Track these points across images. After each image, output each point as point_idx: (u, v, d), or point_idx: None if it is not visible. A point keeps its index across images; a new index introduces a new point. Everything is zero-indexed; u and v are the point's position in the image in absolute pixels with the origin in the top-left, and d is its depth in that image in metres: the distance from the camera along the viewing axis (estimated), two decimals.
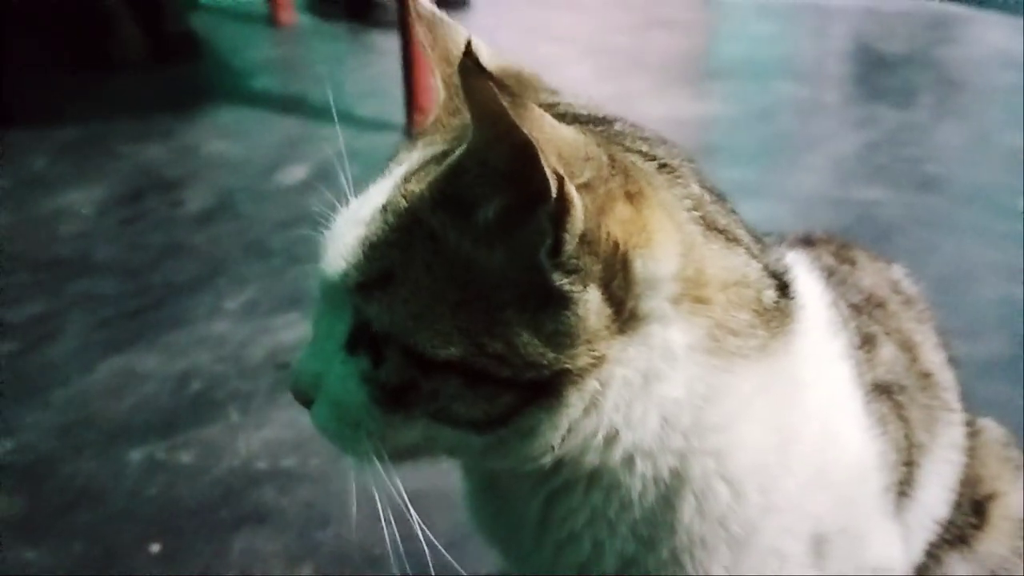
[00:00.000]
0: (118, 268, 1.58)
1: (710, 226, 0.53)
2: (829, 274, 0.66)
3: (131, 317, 1.43)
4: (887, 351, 0.63)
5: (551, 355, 0.48)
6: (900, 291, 0.72)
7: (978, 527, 0.71)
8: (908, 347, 0.66)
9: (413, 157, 0.54)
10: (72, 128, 2.17)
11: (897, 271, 0.74)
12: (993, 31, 2.70)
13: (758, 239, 0.57)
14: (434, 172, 0.51)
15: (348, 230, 0.52)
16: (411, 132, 2.03)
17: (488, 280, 0.48)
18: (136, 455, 1.14)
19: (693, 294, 0.50)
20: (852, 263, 0.71)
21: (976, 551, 0.71)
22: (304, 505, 1.06)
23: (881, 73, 2.43)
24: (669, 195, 0.52)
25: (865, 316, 0.64)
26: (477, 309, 0.48)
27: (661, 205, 0.50)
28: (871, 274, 0.71)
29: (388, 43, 2.07)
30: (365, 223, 0.51)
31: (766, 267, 0.55)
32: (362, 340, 0.51)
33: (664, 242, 0.49)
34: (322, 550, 1.01)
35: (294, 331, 1.38)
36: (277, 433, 1.17)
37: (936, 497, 0.66)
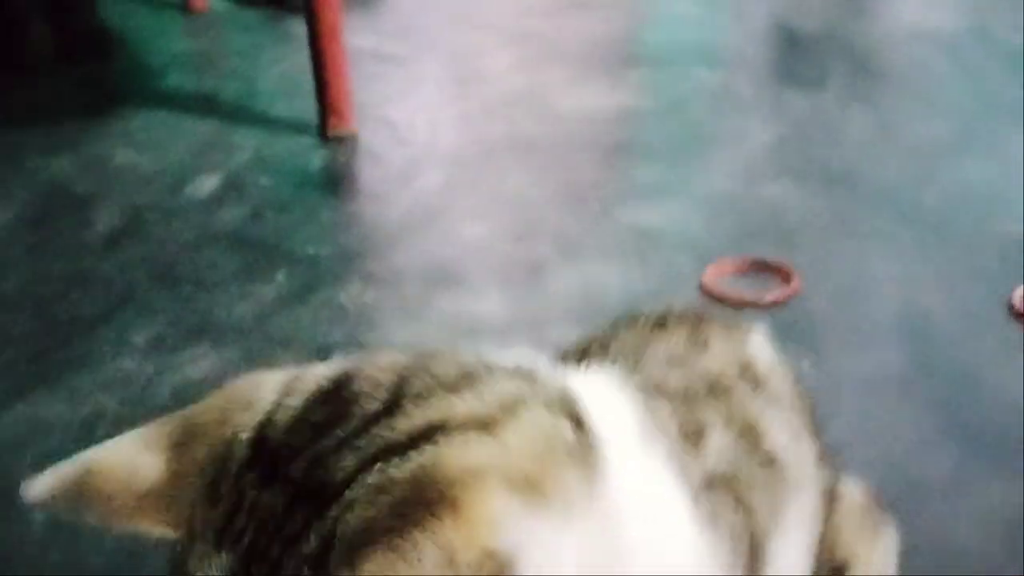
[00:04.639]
0: (24, 302, 1.55)
1: None
2: (676, 364, 0.68)
3: (36, 358, 1.42)
4: (717, 440, 0.64)
5: None
6: (750, 371, 0.73)
7: None
8: (751, 432, 0.68)
9: None
10: None
11: (754, 343, 0.75)
12: (906, 4, 2.73)
13: None
14: None
15: None
16: (325, 135, 2.01)
17: None
18: (39, 516, 1.14)
19: None
20: (704, 345, 0.72)
21: None
22: None
23: (794, 54, 2.45)
24: None
25: (701, 405, 0.66)
26: None
27: None
28: (721, 356, 0.71)
29: (305, 31, 2.03)
30: None
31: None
32: None
33: None
34: None
35: (200, 366, 1.37)
36: None
37: (793, 563, 0.68)
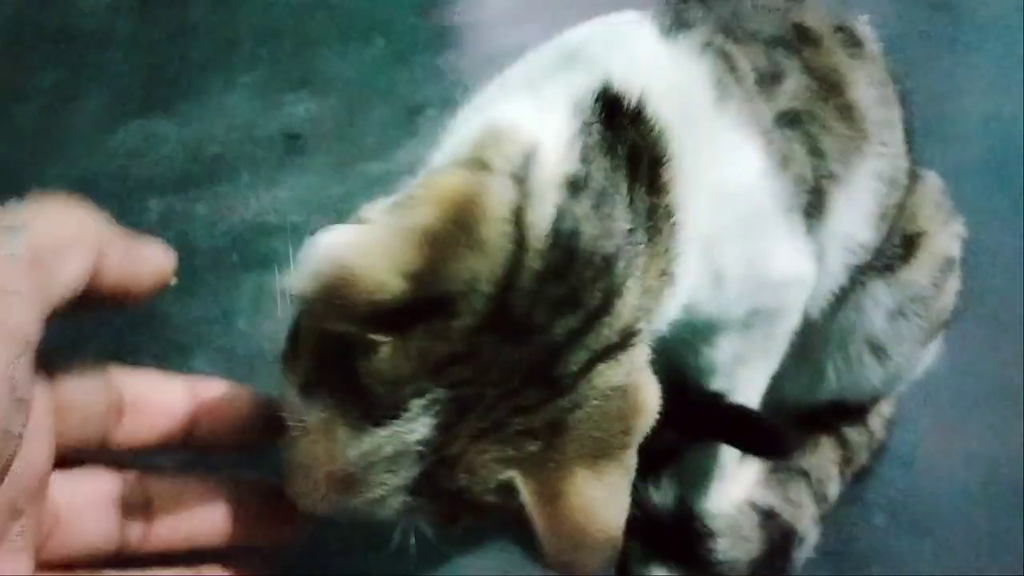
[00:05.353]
0: (135, 43, 1.62)
1: None
2: (768, 11, 0.70)
3: (148, 88, 1.49)
4: (793, 83, 0.67)
5: None
6: (845, 32, 0.75)
7: (904, 258, 0.79)
8: (833, 81, 0.70)
9: None
10: None
11: (856, 19, 0.78)
12: None
13: None
14: None
15: None
16: None
17: None
18: (155, 205, 1.23)
19: None
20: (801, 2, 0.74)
21: (898, 278, 0.79)
22: None
23: None
24: None
25: (785, 49, 0.68)
26: None
27: None
28: (818, 14, 0.74)
29: None
30: None
31: None
32: None
33: None
34: None
35: (301, 109, 1.44)
36: (286, 192, 1.25)
37: (854, 222, 0.72)
